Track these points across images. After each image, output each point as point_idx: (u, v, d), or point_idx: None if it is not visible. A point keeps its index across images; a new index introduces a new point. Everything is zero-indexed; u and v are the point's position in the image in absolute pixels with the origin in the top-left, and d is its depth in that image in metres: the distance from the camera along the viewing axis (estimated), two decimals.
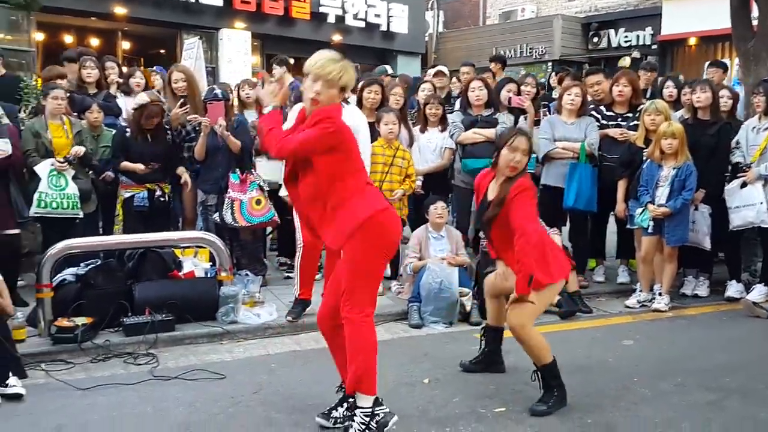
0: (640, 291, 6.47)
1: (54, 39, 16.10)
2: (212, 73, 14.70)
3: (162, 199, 6.42)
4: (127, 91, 7.62)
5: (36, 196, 5.93)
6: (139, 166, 6.30)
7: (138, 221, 6.27)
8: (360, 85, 6.70)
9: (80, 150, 6.15)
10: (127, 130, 6.42)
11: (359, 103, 6.69)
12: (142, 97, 6.38)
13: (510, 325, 4.10)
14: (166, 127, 6.53)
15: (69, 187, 6.06)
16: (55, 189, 5.99)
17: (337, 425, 3.79)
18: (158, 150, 6.40)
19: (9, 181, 5.83)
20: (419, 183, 6.86)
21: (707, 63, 9.19)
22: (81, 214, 6.13)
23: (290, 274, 5.90)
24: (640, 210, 6.32)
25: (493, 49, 21.66)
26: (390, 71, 9.12)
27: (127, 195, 6.39)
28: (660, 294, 6.35)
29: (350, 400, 3.72)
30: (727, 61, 11.70)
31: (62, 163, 6.03)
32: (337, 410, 3.83)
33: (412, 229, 6.65)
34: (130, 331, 5.17)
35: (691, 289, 6.86)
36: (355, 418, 3.63)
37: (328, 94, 3.50)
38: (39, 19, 13.99)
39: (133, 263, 5.74)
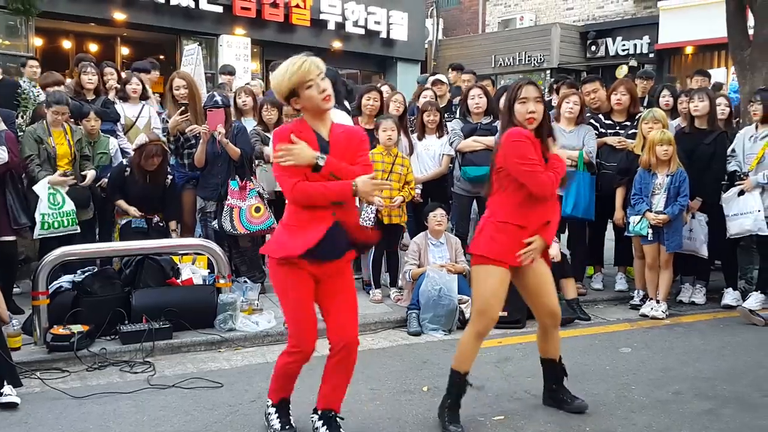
0: (650, 299, 6.45)
1: (52, 44, 16.09)
2: (212, 79, 14.65)
3: (161, 224, 6.41)
4: (125, 98, 7.62)
5: (39, 218, 5.93)
6: (133, 211, 6.27)
7: (137, 238, 6.18)
8: (359, 91, 6.72)
9: (92, 175, 6.18)
10: (127, 168, 6.36)
11: (358, 110, 6.69)
12: (142, 138, 6.34)
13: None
14: (168, 172, 6.48)
15: (66, 204, 6.05)
16: (54, 208, 5.98)
17: None
18: (155, 193, 6.36)
19: (6, 188, 5.81)
20: (418, 191, 6.85)
21: (693, 72, 9.20)
22: (78, 229, 6.11)
23: None
24: (637, 218, 6.32)
25: (492, 57, 21.77)
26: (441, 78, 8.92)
27: (124, 222, 6.37)
28: (657, 301, 6.34)
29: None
30: (723, 69, 11.73)
31: (64, 176, 6.02)
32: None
33: (412, 236, 6.63)
34: (126, 339, 5.14)
35: (687, 297, 6.85)
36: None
37: (326, 83, 3.37)
38: (37, 24, 13.97)
39: (130, 270, 5.71)
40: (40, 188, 5.98)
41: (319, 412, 3.68)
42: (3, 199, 5.77)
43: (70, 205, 6.06)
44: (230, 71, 10.04)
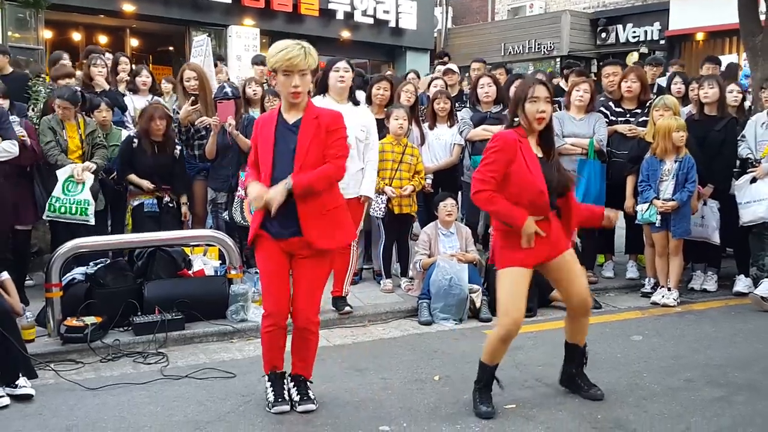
0: (661, 286, 6.43)
1: (62, 37, 16.13)
2: (220, 70, 14.66)
3: (171, 204, 6.42)
4: (134, 90, 7.63)
5: (49, 200, 5.98)
6: (146, 184, 6.29)
7: (148, 224, 6.23)
8: (371, 81, 6.73)
9: (91, 167, 6.16)
10: (135, 140, 6.39)
11: (368, 100, 6.68)
12: (143, 108, 6.43)
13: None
14: (176, 141, 6.52)
15: (83, 193, 6.07)
16: (68, 194, 6.01)
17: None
18: (165, 164, 6.38)
19: (33, 179, 5.93)
20: (429, 180, 6.85)
21: (704, 58, 9.13)
22: (92, 221, 6.11)
23: None
24: (645, 206, 6.29)
25: (502, 45, 21.68)
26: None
27: (136, 203, 6.39)
28: (669, 289, 6.33)
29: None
30: (735, 56, 11.63)
31: (80, 175, 6.06)
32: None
33: (422, 226, 6.63)
34: (139, 330, 5.17)
35: (699, 284, 6.82)
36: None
37: (304, 82, 3.68)
38: (47, 16, 13.99)
39: (142, 262, 5.74)
40: (61, 173, 6.03)
41: (292, 376, 4.04)
42: (31, 188, 5.92)
43: (86, 195, 6.07)
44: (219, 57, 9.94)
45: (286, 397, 3.99)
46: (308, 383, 4.04)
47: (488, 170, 3.82)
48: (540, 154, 3.90)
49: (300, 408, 3.94)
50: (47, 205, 5.98)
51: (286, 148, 3.76)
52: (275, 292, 3.86)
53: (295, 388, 4.01)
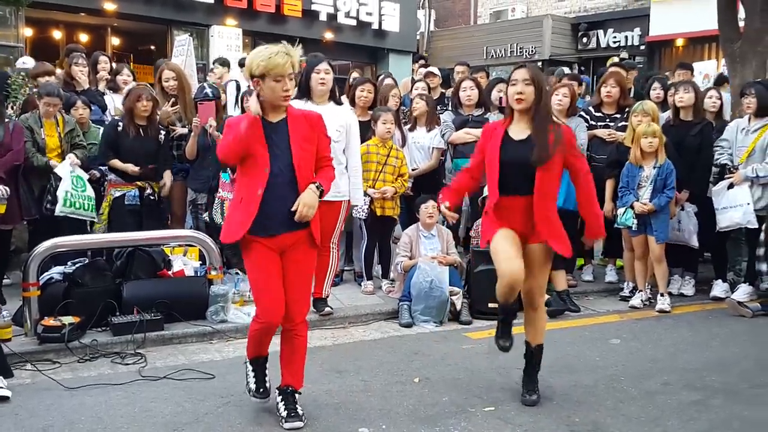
0: (640, 291, 6.48)
1: (43, 35, 15.97)
2: (203, 70, 14.59)
3: (152, 197, 6.37)
4: (115, 89, 7.58)
5: (62, 195, 5.91)
6: (131, 167, 6.23)
7: (129, 219, 6.21)
8: (354, 83, 6.73)
9: (75, 160, 6.10)
10: (119, 124, 6.35)
11: (351, 102, 6.68)
12: (128, 88, 6.40)
13: (532, 285, 4.15)
14: (159, 125, 6.48)
15: (87, 189, 6.05)
16: (77, 189, 5.97)
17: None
18: (150, 147, 6.34)
19: (18, 180, 5.86)
20: (409, 184, 6.84)
21: (676, 64, 9.23)
22: (96, 218, 6.10)
23: None
24: (622, 210, 6.34)
25: (484, 49, 21.76)
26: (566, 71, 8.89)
27: (118, 194, 6.32)
28: (661, 295, 6.37)
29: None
30: (713, 62, 11.75)
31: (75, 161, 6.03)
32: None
33: (404, 228, 6.63)
34: (118, 330, 5.13)
35: (677, 288, 6.89)
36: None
37: (292, 85, 3.72)
38: (27, 14, 13.85)
39: (121, 262, 5.70)
40: (63, 170, 5.98)
41: (279, 389, 3.93)
42: (17, 189, 5.85)
43: (90, 191, 6.06)
44: (223, 62, 9.94)
45: (267, 386, 3.99)
46: (296, 396, 3.91)
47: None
48: (524, 136, 4.03)
49: (287, 425, 3.79)
50: (61, 199, 5.89)
51: (276, 144, 3.74)
52: (274, 291, 3.76)
53: (283, 402, 3.88)
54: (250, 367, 4.02)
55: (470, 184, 4.41)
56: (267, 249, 3.75)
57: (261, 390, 3.98)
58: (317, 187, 3.75)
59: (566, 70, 8.81)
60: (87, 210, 6.05)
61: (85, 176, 6.10)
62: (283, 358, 3.92)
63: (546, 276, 4.28)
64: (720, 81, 8.67)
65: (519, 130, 4.07)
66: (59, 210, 5.94)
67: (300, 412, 3.85)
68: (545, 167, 3.97)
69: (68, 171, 5.99)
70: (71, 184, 5.96)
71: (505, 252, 3.98)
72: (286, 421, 3.81)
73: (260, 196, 3.67)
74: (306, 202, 3.70)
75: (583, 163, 4.23)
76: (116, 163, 6.27)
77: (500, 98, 6.97)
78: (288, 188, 3.72)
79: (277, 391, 3.94)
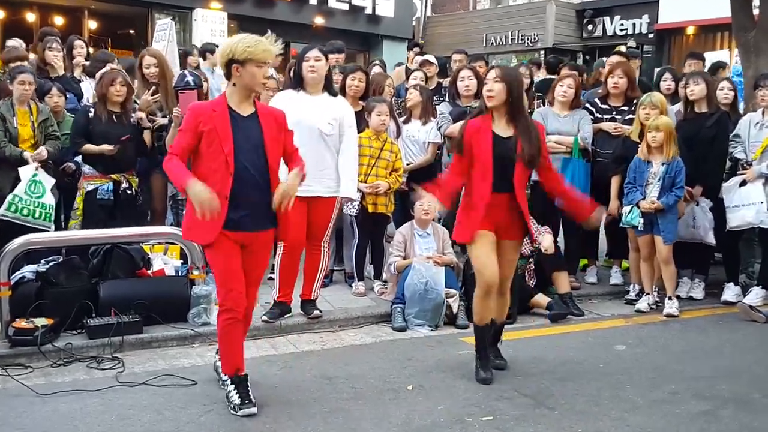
0: (647, 294, 6.49)
1: (15, 17, 15.90)
2: (185, 56, 14.54)
3: (129, 191, 6.34)
4: (93, 73, 7.53)
5: (9, 198, 5.83)
6: (106, 147, 6.15)
7: (102, 216, 6.18)
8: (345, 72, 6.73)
9: (43, 153, 6.05)
10: (91, 110, 6.31)
11: (342, 92, 6.66)
12: (102, 72, 6.37)
13: (505, 276, 4.70)
14: (133, 113, 6.45)
15: (45, 196, 5.94)
16: (32, 195, 5.90)
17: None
18: (123, 134, 6.27)
19: None
20: (404, 179, 6.83)
21: (686, 54, 9.22)
22: (52, 227, 6.02)
23: (272, 275, 5.90)
24: (628, 209, 6.35)
25: (483, 36, 21.76)
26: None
27: (90, 187, 6.26)
28: (669, 298, 6.37)
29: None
30: (726, 52, 11.78)
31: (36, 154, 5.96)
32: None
33: (397, 227, 6.63)
34: (94, 333, 5.11)
35: (685, 291, 6.89)
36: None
37: (250, 72, 3.98)
38: None
39: (97, 260, 5.68)
40: (26, 172, 5.91)
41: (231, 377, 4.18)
42: None
43: (50, 199, 5.95)
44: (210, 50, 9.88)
45: (253, 399, 4.08)
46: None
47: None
48: (509, 134, 4.52)
49: (242, 413, 4.03)
50: (6, 202, 5.81)
51: (245, 139, 3.99)
52: (238, 286, 4.07)
53: (236, 390, 4.12)
54: (231, 385, 4.12)
55: (459, 183, 4.70)
56: (233, 245, 4.04)
57: (247, 401, 4.06)
58: (300, 169, 4.05)
59: (604, 59, 8.82)
60: (38, 218, 5.90)
61: (49, 183, 5.97)
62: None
63: (514, 267, 4.84)
64: (715, 69, 8.64)
65: (503, 128, 4.54)
66: (1, 213, 5.85)
67: (253, 399, 4.08)
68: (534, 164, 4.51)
69: (29, 174, 5.91)
70: (26, 188, 5.84)
71: (487, 255, 4.55)
72: (240, 408, 4.03)
73: (227, 198, 3.92)
74: (290, 186, 3.99)
75: (547, 159, 4.71)
76: (89, 146, 6.18)
77: None
78: (259, 185, 4.01)
79: (229, 379, 4.16)
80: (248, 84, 3.96)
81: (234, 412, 4.03)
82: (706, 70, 8.21)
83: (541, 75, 9.42)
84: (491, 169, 4.44)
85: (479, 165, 4.48)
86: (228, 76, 4.04)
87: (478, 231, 4.53)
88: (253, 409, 4.03)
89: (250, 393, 4.09)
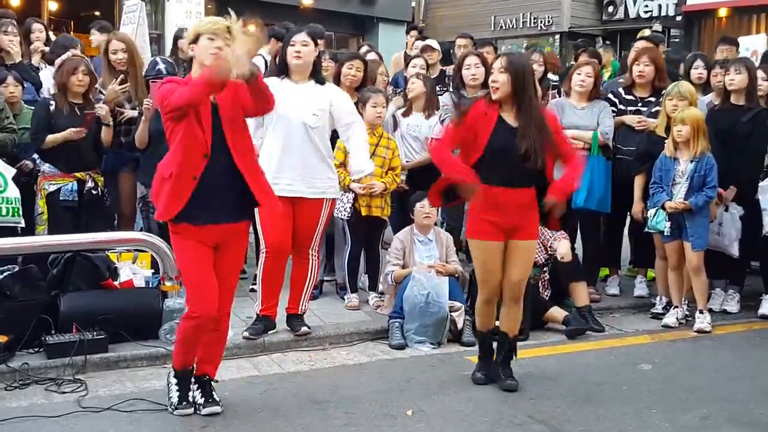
0: (675, 307, 6.48)
1: None
2: (157, 41, 14.55)
3: (94, 191, 6.32)
4: (53, 60, 7.51)
5: None
6: (70, 131, 6.13)
7: (65, 219, 6.17)
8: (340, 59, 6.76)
9: None
10: (51, 102, 6.32)
11: (336, 80, 6.66)
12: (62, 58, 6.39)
13: (520, 278, 4.88)
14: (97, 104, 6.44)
15: (8, 189, 5.93)
16: None
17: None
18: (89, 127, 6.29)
19: None
20: (403, 177, 6.83)
21: (718, 39, 9.22)
22: (22, 223, 6.02)
23: (254, 287, 5.89)
24: (653, 211, 6.34)
25: (492, 18, 21.79)
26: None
27: (52, 188, 6.27)
28: (700, 312, 6.35)
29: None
30: (762, 36, 11.78)
31: None
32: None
33: (395, 231, 6.63)
34: (53, 352, 5.10)
35: (719, 304, 6.88)
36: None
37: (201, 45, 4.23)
38: None
39: (57, 270, 5.66)
40: None
41: (196, 377, 4.47)
42: None
43: (13, 192, 5.95)
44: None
45: (191, 400, 4.42)
46: (213, 383, 4.50)
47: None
48: (515, 124, 4.68)
49: (205, 411, 4.36)
50: None
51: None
52: (210, 289, 4.27)
53: (199, 390, 4.43)
54: (174, 380, 4.46)
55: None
56: (201, 244, 4.23)
57: (185, 402, 4.40)
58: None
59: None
60: (6, 215, 5.90)
61: (9, 173, 5.98)
62: (205, 348, 4.44)
63: (530, 269, 5.02)
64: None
65: (511, 118, 4.73)
66: None
67: (216, 398, 4.42)
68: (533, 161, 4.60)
69: None
70: None
71: (491, 267, 4.84)
72: (204, 407, 4.36)
73: (195, 179, 4.12)
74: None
75: (569, 146, 5.01)
76: (52, 137, 6.17)
77: None
78: (226, 173, 4.20)
79: (193, 380, 4.46)
80: (200, 58, 4.20)
81: (170, 411, 4.38)
82: (759, 60, 8.18)
83: None
84: (479, 158, 4.68)
85: (474, 152, 4.71)
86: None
87: (482, 236, 4.81)
88: (189, 410, 4.37)
89: (189, 392, 4.43)
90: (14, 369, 4.93)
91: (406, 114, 7.12)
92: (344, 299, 6.60)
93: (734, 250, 6.60)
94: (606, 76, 9.06)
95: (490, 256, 4.80)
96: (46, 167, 6.33)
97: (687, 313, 6.53)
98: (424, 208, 6.27)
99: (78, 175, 6.28)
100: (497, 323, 5.03)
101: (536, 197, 4.75)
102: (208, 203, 4.16)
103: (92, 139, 6.34)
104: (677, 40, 18.55)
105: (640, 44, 7.95)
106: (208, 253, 4.27)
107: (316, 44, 5.64)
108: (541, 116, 4.72)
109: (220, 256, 4.32)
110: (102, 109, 6.33)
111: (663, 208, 6.28)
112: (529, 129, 4.60)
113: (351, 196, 6.30)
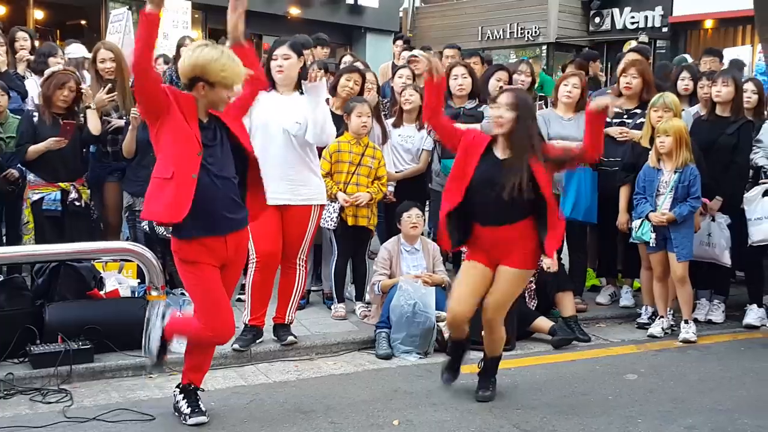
0: (660, 317, 6.52)
1: None
2: (178, 47, 14.51)
3: (77, 203, 6.31)
4: (40, 70, 7.51)
5: None
6: (49, 141, 6.10)
7: (49, 229, 6.16)
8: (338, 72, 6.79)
9: None
10: (35, 114, 6.31)
11: (332, 92, 6.68)
12: (51, 70, 6.34)
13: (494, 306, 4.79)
14: (81, 115, 6.44)
15: None
16: None
17: None
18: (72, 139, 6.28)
19: None
20: (391, 188, 6.84)
21: (703, 50, 9.28)
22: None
23: (242, 296, 5.89)
24: (638, 222, 6.38)
25: (479, 29, 21.88)
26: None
27: (36, 197, 6.26)
28: (685, 322, 6.38)
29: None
30: (748, 48, 11.89)
31: None
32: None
33: (382, 242, 6.64)
34: (38, 362, 5.08)
35: (704, 315, 6.91)
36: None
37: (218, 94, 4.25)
38: None
39: (43, 280, 5.65)
40: None
41: (182, 386, 4.50)
42: None
43: None
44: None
45: (203, 408, 4.45)
46: (198, 393, 4.53)
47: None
48: (504, 156, 4.60)
49: (191, 421, 4.38)
50: None
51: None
52: (228, 313, 4.38)
53: (185, 399, 4.46)
54: (181, 395, 4.49)
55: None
56: (211, 267, 4.25)
57: (197, 410, 4.42)
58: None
59: (687, 57, 8.96)
60: None
61: None
62: (191, 360, 4.49)
63: (509, 299, 4.86)
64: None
65: (501, 149, 4.64)
66: None
67: (203, 408, 4.44)
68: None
69: None
70: None
71: (464, 291, 4.78)
72: (190, 417, 4.38)
73: (195, 179, 4.07)
74: None
75: (551, 199, 4.66)
76: (33, 148, 6.15)
77: (500, 88, 7.01)
78: (226, 187, 4.25)
79: (178, 390, 4.51)
80: (213, 103, 4.21)
81: (183, 422, 4.38)
82: (749, 72, 8.22)
83: None
84: (463, 193, 4.60)
85: (463, 178, 4.63)
86: (189, 88, 4.18)
87: (469, 257, 4.82)
88: (204, 418, 4.40)
89: (200, 403, 4.46)
90: None
91: (396, 124, 7.14)
92: (331, 309, 6.60)
93: (725, 259, 6.62)
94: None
95: (468, 278, 4.78)
96: (31, 176, 6.33)
97: (672, 323, 6.55)
98: (411, 218, 6.29)
99: (62, 185, 6.27)
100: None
101: (535, 223, 4.66)
102: (207, 214, 4.16)
103: (76, 148, 6.33)
104: (663, 51, 18.66)
105: (629, 56, 7.98)
106: (218, 274, 4.31)
107: (299, 56, 5.67)
108: (532, 152, 4.56)
109: (224, 274, 4.37)
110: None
111: (648, 218, 6.32)
112: (518, 164, 4.50)
113: (337, 206, 6.31)
